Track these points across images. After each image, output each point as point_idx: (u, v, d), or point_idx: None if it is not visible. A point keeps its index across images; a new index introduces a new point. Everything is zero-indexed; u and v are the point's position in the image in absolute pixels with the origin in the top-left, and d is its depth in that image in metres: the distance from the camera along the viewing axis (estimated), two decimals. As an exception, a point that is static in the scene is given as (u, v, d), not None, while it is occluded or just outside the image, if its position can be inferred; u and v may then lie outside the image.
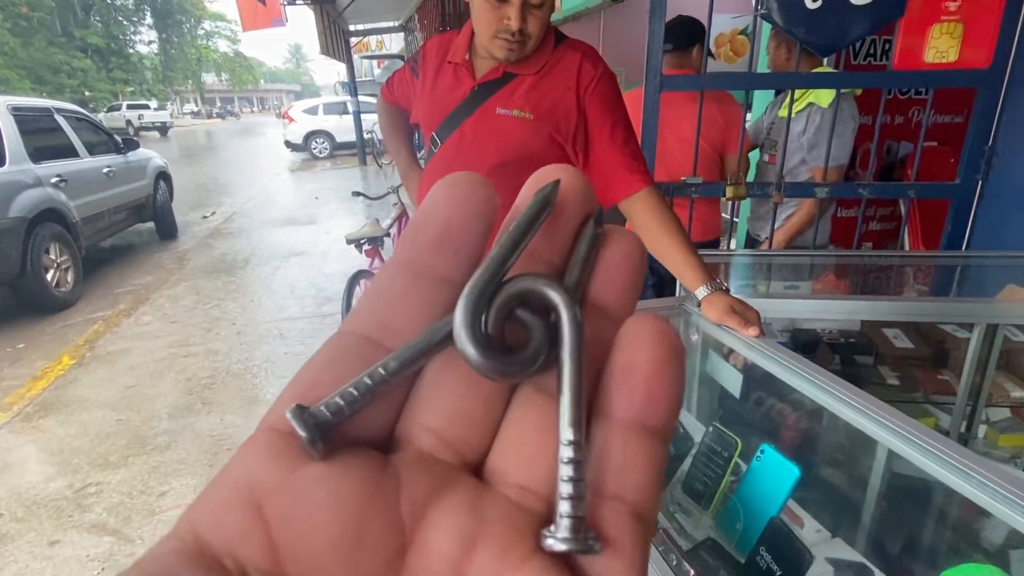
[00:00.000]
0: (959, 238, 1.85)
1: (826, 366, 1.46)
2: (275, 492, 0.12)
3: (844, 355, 1.40)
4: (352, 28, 11.98)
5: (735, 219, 2.83)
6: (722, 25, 3.30)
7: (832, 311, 1.20)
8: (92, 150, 5.03)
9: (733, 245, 2.76)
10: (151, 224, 6.32)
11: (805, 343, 1.41)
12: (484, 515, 0.13)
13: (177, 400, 2.94)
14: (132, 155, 5.68)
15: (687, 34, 2.04)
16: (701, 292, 1.08)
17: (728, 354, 1.10)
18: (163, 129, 25.81)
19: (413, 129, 1.69)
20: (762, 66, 2.40)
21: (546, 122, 1.25)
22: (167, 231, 6.40)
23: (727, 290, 1.08)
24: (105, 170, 5.07)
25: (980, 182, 1.81)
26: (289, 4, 8.07)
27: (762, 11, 1.77)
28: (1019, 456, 1.33)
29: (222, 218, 7.44)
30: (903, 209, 2.62)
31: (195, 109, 51.04)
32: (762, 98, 2.82)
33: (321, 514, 0.12)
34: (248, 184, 10.34)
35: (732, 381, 1.06)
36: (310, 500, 0.12)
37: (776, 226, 2.12)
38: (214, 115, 48.64)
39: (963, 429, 1.25)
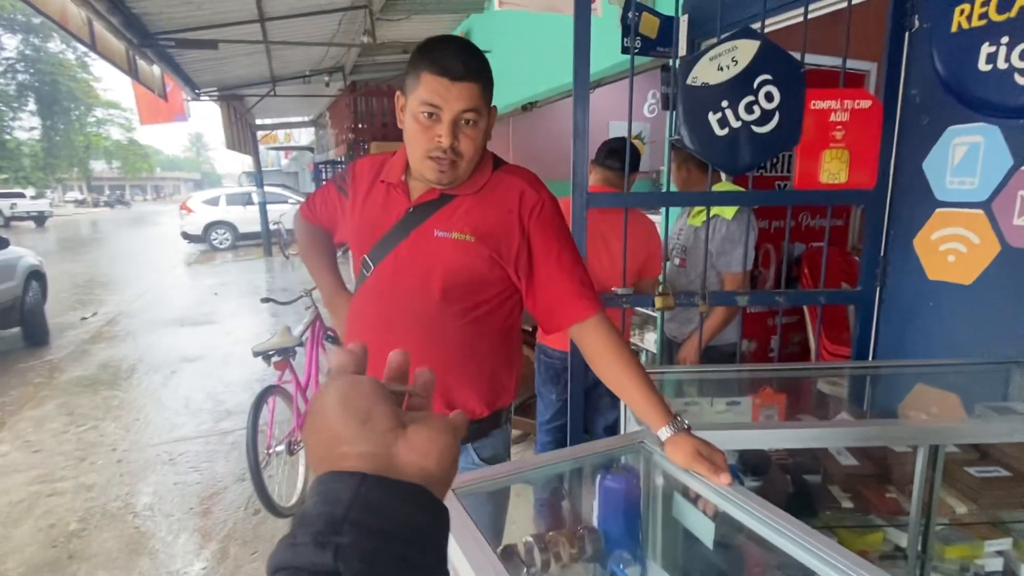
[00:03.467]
0: (866, 343, 1.98)
1: (780, 488, 1.44)
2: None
3: (794, 475, 1.38)
4: (260, 122, 11.91)
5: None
6: (621, 132, 3.58)
7: (785, 440, 1.19)
8: (-52, 250, 4.44)
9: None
10: (17, 329, 5.58)
11: (756, 465, 1.39)
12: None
13: (36, 555, 2.44)
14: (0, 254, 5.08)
15: (630, 159, 2.11)
16: (664, 433, 1.02)
17: (696, 499, 1.03)
18: (40, 219, 23.74)
19: (336, 249, 1.59)
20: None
21: (486, 244, 1.20)
22: (36, 337, 5.68)
23: (689, 428, 1.03)
24: (-37, 273, 4.47)
25: (879, 288, 1.97)
26: (194, 100, 7.87)
27: (675, 138, 1.89)
28: (967, 568, 1.34)
29: (104, 319, 6.72)
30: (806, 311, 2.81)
31: (79, 197, 47.52)
32: (674, 212, 3.01)
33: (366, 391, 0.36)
34: (137, 280, 9.55)
35: (704, 530, 0.98)
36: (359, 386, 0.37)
37: (687, 329, 2.32)
38: (101, 203, 45.52)
39: (919, 548, 1.24)
